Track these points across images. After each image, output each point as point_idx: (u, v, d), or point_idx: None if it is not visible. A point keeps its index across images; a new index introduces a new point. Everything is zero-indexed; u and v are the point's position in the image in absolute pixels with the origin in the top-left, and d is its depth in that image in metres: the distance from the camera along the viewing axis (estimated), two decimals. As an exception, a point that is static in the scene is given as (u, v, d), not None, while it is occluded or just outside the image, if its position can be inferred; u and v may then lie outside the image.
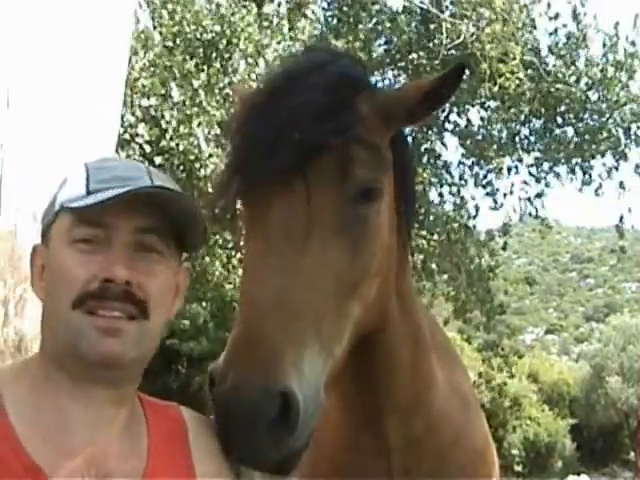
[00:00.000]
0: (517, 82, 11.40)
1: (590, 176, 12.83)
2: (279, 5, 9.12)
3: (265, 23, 8.43)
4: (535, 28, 12.18)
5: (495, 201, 13.20)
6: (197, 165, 8.29)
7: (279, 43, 8.31)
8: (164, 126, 8.03)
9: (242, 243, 1.55)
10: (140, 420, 1.35)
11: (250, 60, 8.20)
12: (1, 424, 1.21)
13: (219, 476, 1.33)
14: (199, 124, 8.02)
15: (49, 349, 1.29)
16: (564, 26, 12.15)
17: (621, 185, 12.57)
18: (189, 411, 1.43)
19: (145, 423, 1.35)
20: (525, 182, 13.18)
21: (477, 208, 12.97)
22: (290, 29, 8.92)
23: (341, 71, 1.54)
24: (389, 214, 1.57)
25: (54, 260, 1.28)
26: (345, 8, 12.11)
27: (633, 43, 11.97)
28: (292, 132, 1.40)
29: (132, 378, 1.33)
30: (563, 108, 12.26)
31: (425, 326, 1.85)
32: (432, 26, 11.87)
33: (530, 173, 13.24)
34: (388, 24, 12.12)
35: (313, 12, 9.92)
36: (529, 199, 13.26)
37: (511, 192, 13.27)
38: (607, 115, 12.15)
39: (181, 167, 8.69)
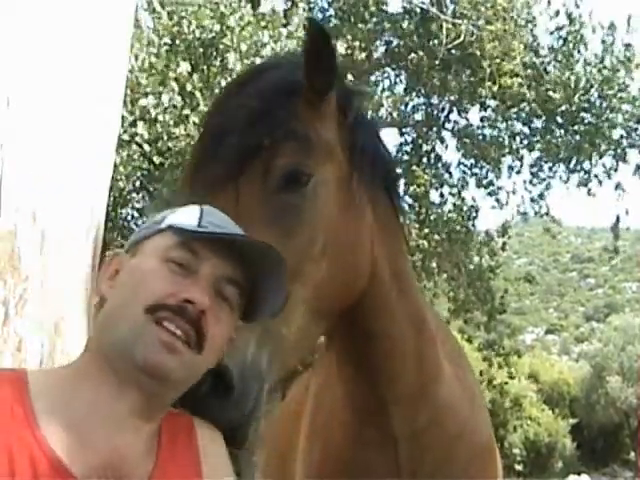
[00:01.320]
0: (518, 82, 11.41)
1: (589, 176, 12.85)
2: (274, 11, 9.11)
3: (262, 23, 8.43)
4: (535, 26, 12.19)
5: (498, 200, 13.22)
6: None
7: (276, 42, 8.31)
8: (159, 127, 8.05)
9: None
10: (155, 429, 1.37)
11: (247, 61, 8.22)
12: (27, 413, 1.24)
13: None
14: (195, 124, 8.03)
15: (101, 346, 1.32)
16: (560, 29, 12.17)
17: (617, 187, 12.59)
18: (199, 421, 1.45)
19: (158, 429, 1.37)
20: (530, 182, 13.22)
21: (477, 209, 12.98)
22: (285, 26, 8.92)
23: (281, 75, 1.66)
24: (340, 192, 1.64)
25: (142, 267, 1.34)
26: (344, 8, 12.12)
27: (629, 45, 12.00)
28: (226, 137, 1.53)
29: (165, 399, 1.35)
30: (563, 108, 12.27)
31: (429, 319, 1.87)
32: (432, 26, 11.88)
33: (531, 173, 13.27)
34: (388, 25, 12.13)
35: (310, 8, 9.84)
36: (531, 199, 13.29)
37: (514, 192, 13.31)
38: (606, 116, 12.17)
39: (180, 167, 8.70)
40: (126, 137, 7.99)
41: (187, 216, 1.38)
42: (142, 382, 1.28)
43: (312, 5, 11.35)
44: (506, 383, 15.69)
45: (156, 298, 1.28)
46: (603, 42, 12.09)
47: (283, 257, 1.37)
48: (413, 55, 12.12)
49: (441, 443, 1.83)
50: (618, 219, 12.87)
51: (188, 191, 1.57)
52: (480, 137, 13.14)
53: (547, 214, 13.39)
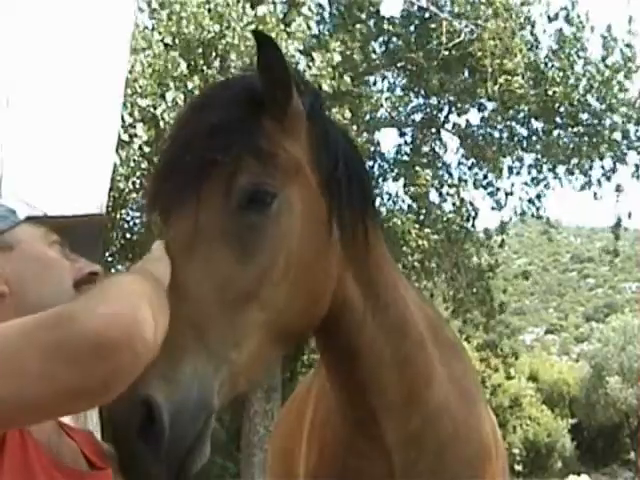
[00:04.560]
0: (519, 82, 11.41)
1: (589, 178, 12.86)
2: (274, 6, 9.12)
3: (260, 26, 8.43)
4: (534, 27, 12.20)
5: (496, 201, 13.23)
6: None
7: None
8: (162, 126, 8.05)
9: None
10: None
11: (246, 60, 8.22)
12: None
13: None
14: None
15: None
16: (560, 30, 12.18)
17: (617, 189, 12.59)
18: (101, 441, 1.56)
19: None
20: (527, 183, 13.23)
21: (476, 211, 12.99)
22: (286, 27, 8.92)
23: (245, 85, 1.61)
24: (306, 214, 1.56)
25: (36, 254, 1.42)
26: (342, 9, 12.13)
27: (629, 45, 12.00)
28: (186, 153, 1.48)
29: None
30: (562, 109, 12.28)
31: (417, 320, 1.82)
32: (431, 26, 11.88)
33: (530, 173, 13.28)
34: (386, 25, 12.14)
35: (309, 8, 9.83)
36: (530, 200, 13.30)
37: (511, 193, 13.31)
38: (605, 117, 12.18)
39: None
40: (126, 137, 7.99)
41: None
42: None
43: (311, 6, 11.35)
44: (503, 384, 15.71)
45: (72, 275, 1.41)
46: (603, 43, 12.09)
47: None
48: (412, 55, 12.12)
49: (436, 446, 1.80)
50: (619, 220, 12.87)
51: (149, 204, 1.56)
52: (480, 137, 13.14)
53: (540, 217, 13.37)
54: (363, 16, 12.03)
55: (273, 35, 8.41)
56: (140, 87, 7.88)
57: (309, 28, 9.74)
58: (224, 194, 1.47)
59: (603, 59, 12.04)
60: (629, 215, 12.83)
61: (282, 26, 8.73)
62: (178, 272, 1.38)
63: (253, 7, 8.67)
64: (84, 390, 1.01)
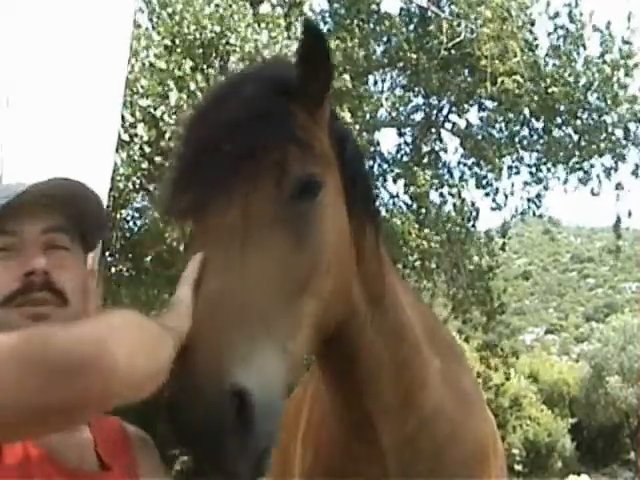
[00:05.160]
0: (517, 82, 11.41)
1: (589, 176, 12.86)
2: (274, 7, 9.12)
3: (262, 25, 8.44)
4: (533, 25, 12.20)
5: (495, 201, 13.24)
6: None
7: (275, 44, 8.32)
8: (163, 127, 8.05)
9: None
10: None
11: (247, 61, 8.22)
12: None
13: None
14: None
15: None
16: (561, 27, 12.18)
17: (617, 187, 12.59)
18: (130, 426, 1.51)
19: (89, 431, 1.41)
20: (528, 183, 13.23)
21: (477, 210, 12.99)
22: (287, 28, 8.92)
23: (272, 75, 1.58)
24: (338, 206, 1.58)
25: None
26: (343, 11, 12.12)
27: (627, 42, 11.99)
28: (227, 139, 1.43)
29: None
30: (562, 108, 12.28)
31: (413, 324, 1.81)
32: (431, 26, 11.89)
33: (530, 173, 13.28)
34: (386, 25, 12.14)
35: (311, 8, 9.85)
36: (529, 199, 13.30)
37: (512, 193, 13.31)
38: (605, 115, 12.18)
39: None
40: (126, 137, 7.99)
41: None
42: None
43: (311, 6, 11.34)
44: (503, 384, 15.70)
45: (3, 291, 1.33)
46: (602, 42, 12.10)
47: (78, 181, 1.40)
48: (412, 55, 12.12)
49: (432, 448, 1.79)
50: (619, 219, 12.86)
51: (187, 192, 1.48)
52: (480, 137, 13.14)
53: (541, 217, 13.39)
54: (363, 15, 12.03)
55: (273, 35, 8.42)
56: (142, 87, 7.88)
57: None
58: (275, 183, 1.44)
59: (602, 55, 12.03)
60: (629, 214, 12.83)
61: (282, 26, 8.73)
62: (232, 261, 1.34)
63: (254, 7, 8.67)
64: (51, 408, 0.97)
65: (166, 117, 8.00)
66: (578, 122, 12.40)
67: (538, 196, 13.24)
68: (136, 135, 8.09)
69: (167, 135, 8.21)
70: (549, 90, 11.84)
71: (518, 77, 11.34)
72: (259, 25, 8.40)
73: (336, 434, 1.85)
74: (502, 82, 11.28)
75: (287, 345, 1.35)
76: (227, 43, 8.35)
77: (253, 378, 1.22)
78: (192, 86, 8.09)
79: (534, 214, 13.41)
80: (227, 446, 1.19)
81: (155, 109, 7.96)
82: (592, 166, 12.77)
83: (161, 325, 1.18)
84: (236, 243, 1.37)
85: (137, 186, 8.96)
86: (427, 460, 1.80)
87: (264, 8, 8.59)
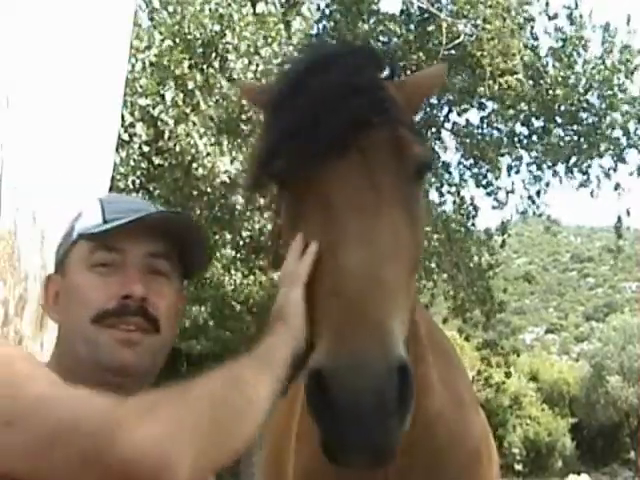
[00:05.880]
0: (518, 82, 11.42)
1: (588, 176, 12.87)
2: (273, 5, 9.11)
3: (258, 24, 8.43)
4: (533, 27, 12.21)
5: (497, 200, 13.23)
6: (195, 165, 8.31)
7: (270, 44, 8.31)
8: (161, 126, 8.06)
9: (284, 217, 1.49)
10: None
11: (246, 60, 8.23)
12: None
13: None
14: (195, 124, 8.04)
15: (66, 362, 1.36)
16: (560, 29, 12.18)
17: (617, 187, 12.60)
18: None
19: None
20: (525, 181, 13.25)
21: (476, 208, 13.00)
22: (286, 27, 8.92)
23: (368, 54, 1.57)
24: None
25: (73, 284, 1.38)
26: (342, 11, 12.12)
27: (627, 46, 12.01)
28: (339, 107, 1.37)
29: (142, 387, 1.38)
30: (563, 108, 12.28)
31: (421, 323, 1.81)
32: (431, 26, 11.88)
33: (530, 172, 13.28)
34: (385, 25, 12.13)
35: (309, 9, 9.82)
36: (530, 197, 13.30)
37: (512, 191, 13.31)
38: (605, 116, 12.18)
39: (180, 167, 8.71)
40: (126, 137, 7.99)
41: (91, 218, 1.42)
42: (112, 382, 1.30)
43: (311, 7, 11.34)
44: (504, 382, 15.68)
45: (97, 307, 1.33)
46: (603, 42, 12.11)
47: (185, 213, 1.39)
48: (412, 55, 12.12)
49: (430, 453, 1.77)
50: (619, 219, 12.87)
51: (289, 156, 1.39)
52: (479, 137, 13.14)
53: (540, 216, 13.39)
54: (363, 15, 12.03)
55: (273, 35, 8.42)
56: (140, 87, 7.88)
57: (311, 28, 9.75)
58: (396, 159, 1.41)
59: (601, 57, 12.04)
60: (627, 213, 12.83)
61: (282, 26, 8.73)
62: (369, 234, 1.29)
63: (253, 5, 8.66)
64: None
65: (164, 116, 8.01)
66: (578, 122, 12.40)
67: (538, 193, 13.25)
68: (135, 134, 8.10)
69: (165, 135, 8.21)
70: (549, 91, 11.84)
71: (519, 77, 11.34)
72: (258, 24, 8.40)
73: None
74: (505, 81, 11.28)
75: (406, 321, 1.33)
76: (227, 42, 8.35)
77: (405, 353, 1.18)
78: (190, 85, 8.10)
79: (534, 213, 13.42)
80: (388, 423, 1.15)
81: (154, 108, 7.97)
82: (589, 166, 12.77)
83: (260, 359, 1.21)
84: (368, 217, 1.32)
85: (137, 185, 8.97)
86: (424, 465, 1.79)
87: (260, 7, 8.57)
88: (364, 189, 1.35)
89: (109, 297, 1.33)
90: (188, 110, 8.04)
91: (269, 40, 8.33)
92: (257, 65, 8.27)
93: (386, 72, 1.57)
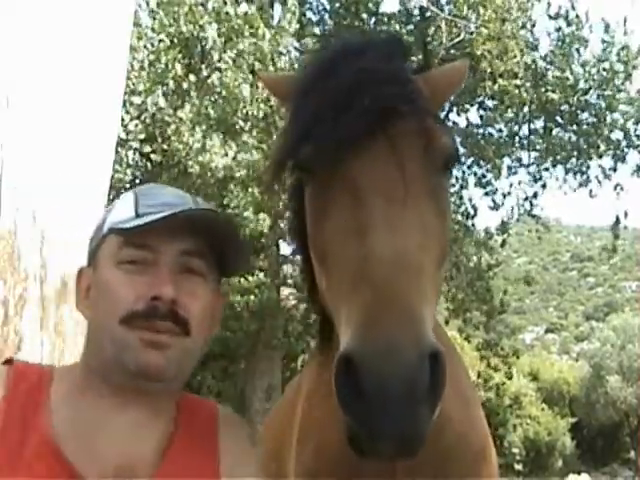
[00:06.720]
0: (517, 82, 11.42)
1: (588, 177, 12.88)
2: (272, 5, 9.11)
3: (249, 28, 8.43)
4: (534, 26, 12.21)
5: (494, 201, 13.24)
6: (190, 163, 8.31)
7: (262, 39, 8.29)
8: (157, 125, 8.07)
9: (310, 206, 1.46)
10: (169, 423, 1.37)
11: (243, 59, 8.23)
12: (45, 425, 1.26)
13: (246, 476, 1.38)
14: (191, 122, 8.05)
15: (93, 362, 1.33)
16: (558, 30, 12.18)
17: (616, 188, 12.61)
18: (224, 409, 1.47)
19: (173, 425, 1.37)
20: (520, 182, 13.27)
21: (475, 208, 13.00)
22: (270, 23, 8.92)
23: (398, 44, 1.57)
24: None
25: (102, 280, 1.32)
26: (342, 11, 12.12)
27: (625, 47, 12.01)
28: (368, 94, 1.36)
29: (170, 392, 1.36)
30: (562, 109, 12.29)
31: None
32: (431, 26, 11.89)
33: (529, 172, 13.29)
34: (385, 25, 12.14)
35: (294, 4, 9.71)
36: (527, 198, 13.31)
37: (509, 192, 13.32)
38: (605, 116, 12.19)
39: (176, 165, 8.71)
40: (123, 136, 7.99)
41: (123, 210, 1.35)
42: (141, 387, 1.28)
43: (308, 6, 11.33)
44: (504, 383, 15.67)
45: (125, 308, 1.27)
46: (603, 42, 12.11)
47: (218, 210, 1.33)
48: (412, 55, 12.12)
49: (439, 452, 1.78)
50: (618, 219, 12.88)
51: (316, 141, 1.37)
52: (479, 137, 13.15)
53: (534, 216, 13.40)
54: (364, 15, 12.04)
55: (260, 33, 8.38)
56: (134, 84, 7.88)
57: (299, 23, 9.70)
58: (425, 148, 1.40)
59: (600, 59, 12.04)
60: (625, 214, 12.84)
61: (270, 21, 8.72)
62: (401, 221, 1.28)
63: (239, 4, 8.63)
64: None
65: (160, 115, 8.01)
66: (578, 123, 12.41)
67: (535, 195, 13.26)
68: (130, 132, 8.11)
69: (166, 134, 8.22)
70: (549, 92, 11.85)
71: (518, 81, 11.35)
72: (244, 22, 8.37)
73: (342, 435, 1.83)
74: (506, 83, 11.28)
75: (434, 312, 1.32)
76: (226, 41, 8.35)
77: (436, 340, 1.17)
78: (185, 85, 8.10)
79: (529, 214, 13.42)
80: (418, 411, 1.13)
81: (151, 107, 7.98)
82: (589, 167, 12.78)
83: None
84: (398, 205, 1.31)
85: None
86: (434, 463, 1.80)
87: (245, 7, 8.51)
88: (394, 177, 1.33)
89: (137, 297, 1.27)
90: (183, 109, 8.04)
91: (259, 37, 8.29)
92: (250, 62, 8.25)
93: (413, 65, 1.58)
